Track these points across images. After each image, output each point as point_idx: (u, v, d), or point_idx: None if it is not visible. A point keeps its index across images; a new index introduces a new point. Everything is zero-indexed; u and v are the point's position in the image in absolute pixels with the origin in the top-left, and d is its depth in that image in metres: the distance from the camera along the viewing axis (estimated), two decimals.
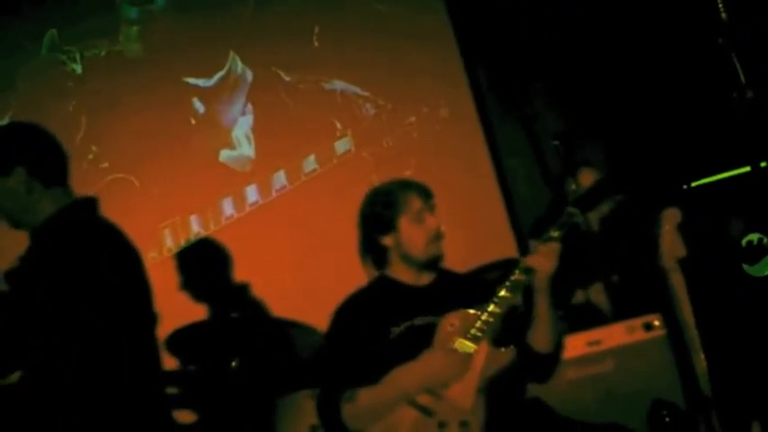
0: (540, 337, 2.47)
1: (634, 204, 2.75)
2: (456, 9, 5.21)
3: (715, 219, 3.30)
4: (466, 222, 4.84)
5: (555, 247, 2.45)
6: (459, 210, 4.84)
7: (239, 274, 3.85)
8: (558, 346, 2.54)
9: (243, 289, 3.75)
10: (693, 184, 3.58)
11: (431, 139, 5.11)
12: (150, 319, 2.43)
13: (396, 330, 2.49)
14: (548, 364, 2.52)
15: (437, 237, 2.59)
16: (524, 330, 2.49)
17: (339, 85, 5.16)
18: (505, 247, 4.56)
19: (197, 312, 3.70)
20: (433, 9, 5.23)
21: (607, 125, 4.77)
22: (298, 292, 4.35)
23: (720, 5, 2.12)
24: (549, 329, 2.47)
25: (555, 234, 2.48)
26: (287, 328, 3.68)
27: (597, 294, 3.48)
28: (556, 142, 3.28)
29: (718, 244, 3.23)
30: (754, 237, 3.10)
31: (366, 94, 5.16)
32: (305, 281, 4.67)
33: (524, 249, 2.80)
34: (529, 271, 2.46)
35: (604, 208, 2.92)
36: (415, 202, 2.58)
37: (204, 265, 3.77)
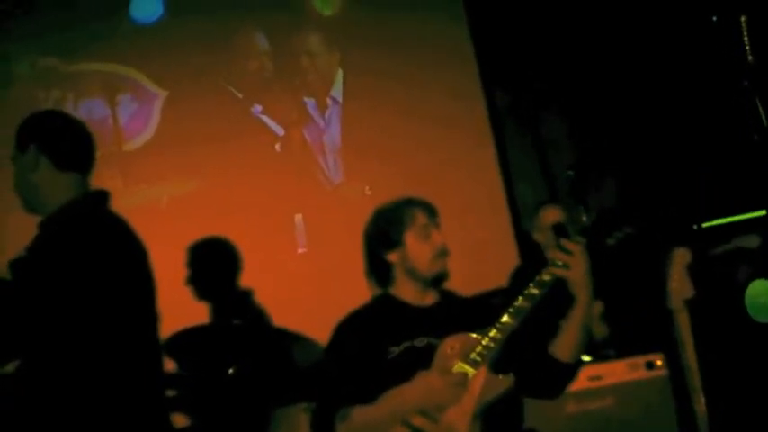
0: (566, 346, 2.42)
1: (644, 239, 2.69)
2: (478, 31, 5.21)
3: (723, 262, 3.24)
4: (472, 244, 4.82)
5: (579, 247, 2.42)
6: (466, 231, 4.82)
7: (246, 279, 3.80)
8: (579, 360, 2.49)
9: (247, 295, 3.69)
10: (705, 225, 3.52)
11: (445, 157, 5.10)
12: (152, 318, 2.39)
13: (395, 350, 2.43)
14: (565, 375, 2.46)
15: (442, 253, 2.55)
16: (544, 340, 2.44)
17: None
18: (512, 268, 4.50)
19: (199, 311, 3.66)
20: (455, 30, 5.24)
21: (623, 157, 4.73)
22: (303, 303, 4.32)
23: (747, 48, 2.08)
24: (578, 337, 2.42)
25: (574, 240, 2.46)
26: (288, 340, 3.63)
27: (596, 324, 3.43)
28: (570, 172, 3.23)
29: (725, 287, 3.18)
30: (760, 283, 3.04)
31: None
32: (311, 293, 4.66)
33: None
34: (544, 284, 2.42)
35: (611, 240, 2.85)
36: (421, 218, 2.55)
37: (213, 263, 3.71)
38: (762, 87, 2.11)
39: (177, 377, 3.34)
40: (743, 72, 2.11)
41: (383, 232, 2.56)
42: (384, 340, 2.46)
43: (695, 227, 3.42)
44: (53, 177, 2.34)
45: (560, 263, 2.44)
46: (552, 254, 2.49)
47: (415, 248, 2.53)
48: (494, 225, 5.09)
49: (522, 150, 5.14)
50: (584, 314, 2.44)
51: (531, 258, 3.87)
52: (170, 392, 3.24)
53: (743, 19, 2.09)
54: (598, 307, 3.50)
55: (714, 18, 2.18)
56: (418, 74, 5.20)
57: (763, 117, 2.12)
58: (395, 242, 2.54)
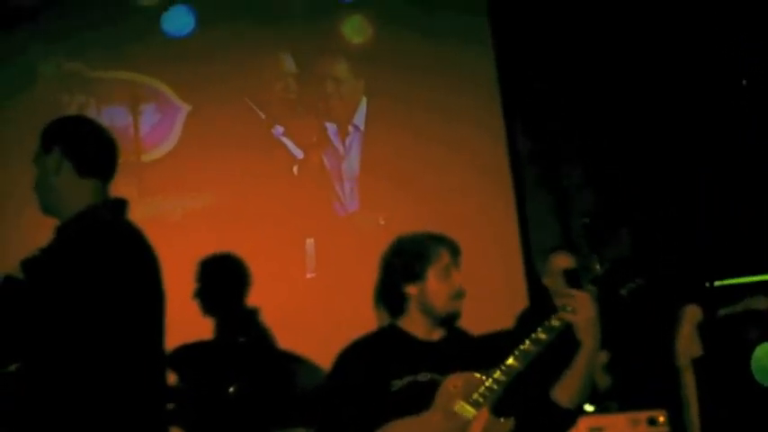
0: (568, 392, 2.44)
1: (656, 293, 2.71)
2: (505, 67, 5.27)
3: (732, 322, 3.24)
4: (482, 283, 4.82)
5: (589, 296, 2.45)
6: (477, 269, 4.83)
7: (252, 298, 3.82)
8: (581, 407, 2.51)
9: (254, 313, 3.71)
10: (717, 284, 3.53)
11: (463, 194, 5.14)
12: (159, 330, 2.41)
13: (397, 383, 2.44)
14: (565, 421, 2.48)
15: (460, 294, 2.57)
16: (547, 385, 2.46)
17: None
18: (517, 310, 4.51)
19: (204, 326, 3.67)
20: (482, 67, 5.30)
21: (641, 209, 4.75)
22: (307, 327, 4.34)
23: None
24: (581, 384, 2.45)
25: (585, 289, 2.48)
26: (292, 362, 3.64)
27: (600, 374, 3.43)
28: (586, 219, 3.26)
29: (733, 348, 3.18)
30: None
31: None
32: (316, 318, 4.68)
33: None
34: (552, 329, 2.44)
35: (623, 291, 2.88)
36: (446, 257, 2.57)
37: (222, 279, 3.73)
38: None
39: (178, 391, 3.35)
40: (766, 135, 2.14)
41: (406, 263, 2.58)
42: (388, 372, 2.47)
43: (707, 284, 3.43)
44: (74, 182, 2.36)
45: (570, 309, 2.45)
46: (562, 300, 2.51)
47: (435, 286, 2.55)
48: (505, 265, 5.11)
49: (540, 194, 5.17)
50: (588, 362, 2.46)
51: (540, 303, 3.88)
52: (170, 405, 3.25)
53: None
54: (603, 357, 3.50)
55: (744, 82, 2.21)
56: (443, 108, 5.26)
57: None
58: (416, 275, 2.56)
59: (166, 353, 2.92)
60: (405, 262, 2.58)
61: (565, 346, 2.50)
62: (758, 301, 3.27)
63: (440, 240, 2.61)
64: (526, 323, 3.63)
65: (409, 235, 2.66)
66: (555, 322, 2.48)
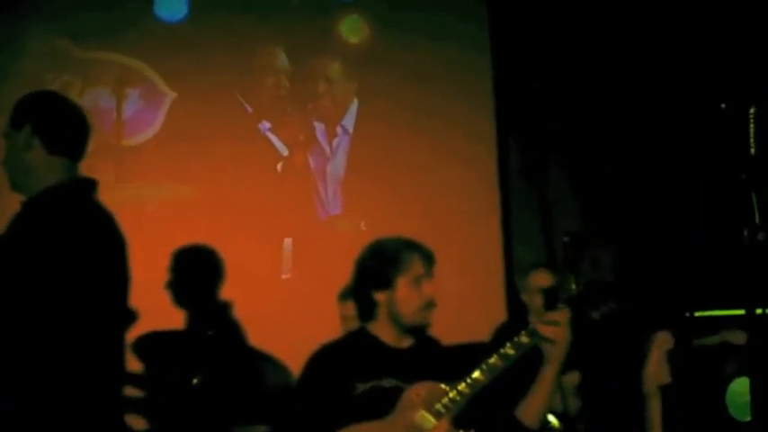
0: (532, 411, 2.52)
1: (629, 318, 2.77)
2: (501, 77, 5.34)
3: (708, 354, 3.30)
4: (460, 293, 4.90)
5: (563, 318, 2.51)
6: (457, 279, 4.90)
7: (224, 293, 3.86)
8: (544, 426, 2.57)
9: (226, 307, 3.74)
10: (697, 314, 3.59)
11: (448, 203, 5.21)
12: (121, 313, 2.44)
13: (360, 387, 2.50)
14: None
15: (430, 305, 2.61)
16: (510, 402, 2.53)
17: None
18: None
19: (175, 317, 3.71)
20: (477, 74, 5.38)
21: (625, 233, 4.82)
22: (277, 328, 4.38)
23: (752, 140, 2.17)
24: (544, 403, 2.53)
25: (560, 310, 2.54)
26: (260, 360, 3.68)
27: (570, 397, 3.49)
28: (566, 238, 3.32)
29: (706, 380, 3.24)
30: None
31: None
32: (288, 320, 4.72)
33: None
34: (521, 346, 2.50)
35: (596, 314, 2.95)
36: (418, 266, 2.60)
37: (196, 270, 3.76)
38: (760, 183, 2.20)
39: (140, 378, 3.38)
40: (743, 164, 2.20)
41: (377, 270, 2.62)
42: (353, 376, 2.52)
43: (687, 314, 3.49)
44: (44, 160, 2.40)
45: (542, 330, 2.51)
46: (535, 319, 2.57)
47: (405, 295, 2.59)
48: (486, 278, 5.18)
49: (527, 209, 5.25)
50: (553, 381, 2.53)
51: (517, 318, 3.95)
52: (132, 391, 3.29)
53: (752, 110, 2.18)
54: (574, 378, 3.57)
55: (723, 105, 2.27)
56: (435, 115, 5.33)
57: (756, 213, 2.20)
58: (386, 283, 2.60)
59: (132, 340, 2.97)
60: (376, 268, 2.62)
61: (531, 364, 2.57)
62: (735, 335, 3.33)
63: (413, 248, 2.64)
64: (502, 338, 3.69)
65: (385, 240, 2.71)
66: (524, 339, 2.54)
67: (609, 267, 4.74)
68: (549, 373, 2.53)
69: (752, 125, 2.18)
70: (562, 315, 2.53)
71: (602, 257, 4.71)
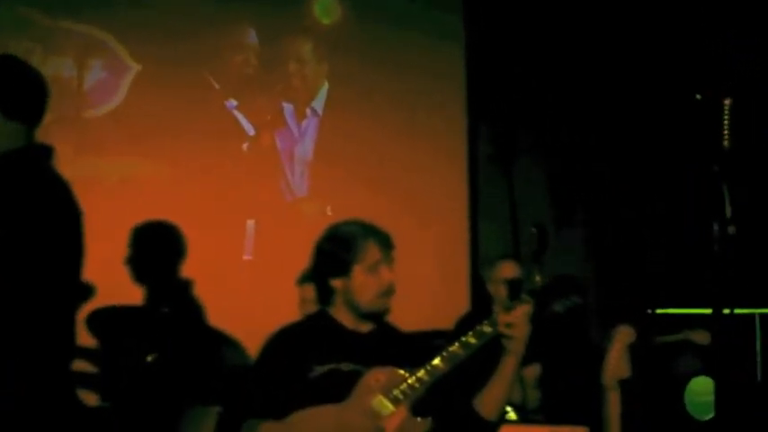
0: (491, 403, 2.53)
1: (590, 312, 2.80)
2: (473, 63, 5.36)
3: (669, 350, 3.36)
4: (425, 281, 4.93)
5: (525, 311, 2.51)
6: (422, 266, 4.92)
7: (192, 269, 3.83)
8: (501, 419, 2.59)
9: (186, 285, 3.73)
10: (659, 311, 3.65)
11: (416, 188, 5.23)
12: (73, 285, 2.43)
13: (318, 369, 2.49)
14: (486, 431, 2.55)
15: (388, 292, 2.60)
16: (469, 393, 2.54)
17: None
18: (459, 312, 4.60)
19: (134, 293, 3.69)
20: (450, 58, 5.39)
21: (593, 229, 4.87)
22: (236, 309, 4.36)
23: (726, 133, 2.18)
24: (503, 396, 2.53)
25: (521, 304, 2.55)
26: (218, 340, 3.67)
27: (530, 389, 3.53)
28: (533, 229, 3.34)
29: (667, 378, 3.29)
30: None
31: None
32: (247, 301, 4.72)
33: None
34: (483, 335, 2.51)
35: (559, 307, 2.99)
36: (374, 253, 2.59)
37: (157, 246, 3.74)
38: (732, 175, 2.21)
39: (94, 353, 3.36)
40: (716, 156, 2.21)
41: (333, 256, 2.62)
42: (310, 358, 2.52)
43: (649, 311, 3.55)
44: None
45: (502, 321, 2.52)
46: (498, 309, 2.58)
47: (361, 282, 2.59)
48: (451, 266, 5.21)
49: (494, 198, 5.28)
50: (512, 374, 2.54)
51: (481, 308, 3.97)
52: (85, 366, 3.27)
53: (726, 102, 2.19)
54: (535, 371, 3.60)
55: (698, 96, 2.28)
56: (405, 97, 5.35)
57: (727, 207, 2.21)
58: (342, 270, 2.60)
59: (87, 314, 2.95)
60: (332, 254, 2.62)
61: (493, 354, 2.58)
62: (698, 334, 3.38)
63: (370, 234, 2.63)
64: (464, 327, 3.71)
65: (342, 225, 2.70)
66: (486, 328, 2.55)
67: (576, 260, 4.79)
68: (508, 365, 2.54)
69: (726, 117, 2.19)
70: (523, 308, 2.54)
71: (572, 251, 4.75)
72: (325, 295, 2.67)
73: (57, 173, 2.44)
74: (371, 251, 2.60)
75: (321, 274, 2.65)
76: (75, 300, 2.46)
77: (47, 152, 2.45)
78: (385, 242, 2.63)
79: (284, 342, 2.59)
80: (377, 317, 2.65)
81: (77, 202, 2.44)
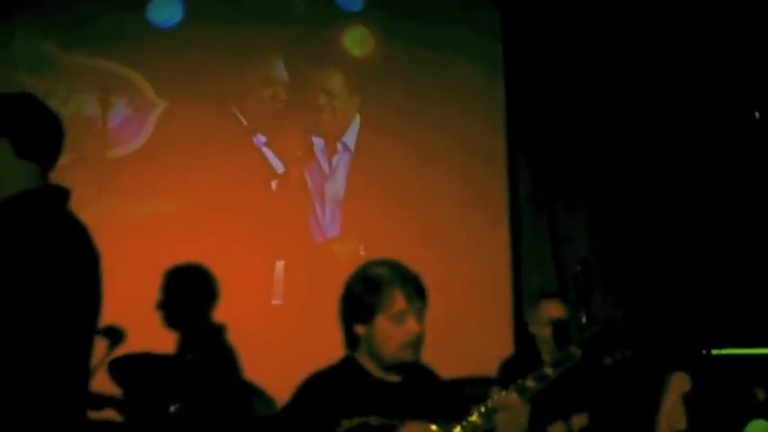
0: None
1: (641, 363, 2.71)
2: (513, 96, 5.31)
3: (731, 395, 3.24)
4: (465, 323, 4.84)
5: (518, 402, 2.44)
6: (462, 309, 4.85)
7: (217, 315, 3.82)
8: None
9: (219, 330, 3.71)
10: (715, 352, 3.53)
11: (454, 227, 5.16)
12: (91, 331, 2.42)
13: (346, 424, 2.43)
14: None
15: (414, 343, 2.53)
16: None
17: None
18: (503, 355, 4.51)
19: (159, 337, 3.69)
20: (489, 93, 5.34)
21: (640, 266, 4.78)
22: (263, 358, 4.31)
23: None
24: None
25: (549, 372, 2.50)
26: (247, 392, 3.63)
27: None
28: (577, 267, 3.27)
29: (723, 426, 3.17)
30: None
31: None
32: (275, 350, 4.66)
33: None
34: (525, 390, 2.47)
35: (608, 359, 2.92)
36: (399, 303, 2.52)
37: (189, 290, 3.74)
38: None
39: (118, 402, 3.35)
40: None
41: (357, 300, 2.57)
42: (338, 412, 2.46)
43: (704, 353, 3.43)
44: (12, 163, 2.40)
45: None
46: (494, 391, 2.51)
47: (385, 332, 2.53)
48: (493, 308, 5.12)
49: (537, 235, 5.20)
50: None
51: (525, 351, 3.90)
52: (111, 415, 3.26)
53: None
54: (582, 421, 3.50)
55: (757, 114, 2.19)
56: (441, 132, 5.30)
57: None
58: (365, 317, 2.55)
59: (112, 360, 2.94)
60: (358, 299, 2.57)
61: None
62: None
63: (398, 280, 2.56)
64: (509, 372, 3.64)
65: (374, 265, 2.64)
66: (530, 383, 2.52)
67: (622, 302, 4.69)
68: None
69: None
70: (512, 399, 2.45)
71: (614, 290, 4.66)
72: (350, 341, 2.62)
73: (73, 215, 2.45)
74: (397, 300, 2.54)
75: (345, 317, 2.61)
76: (90, 346, 2.44)
77: (63, 194, 2.46)
78: (413, 291, 2.56)
79: (310, 395, 2.53)
80: (401, 370, 2.58)
81: (95, 245, 2.45)
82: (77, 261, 2.37)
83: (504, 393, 2.48)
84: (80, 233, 2.42)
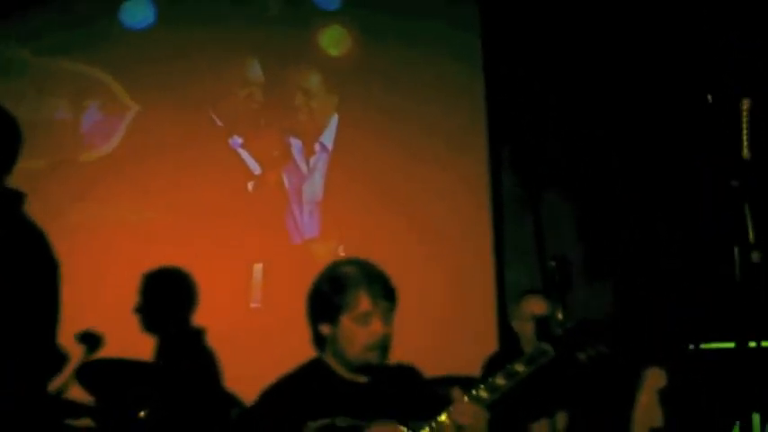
0: None
1: (619, 360, 2.69)
2: (493, 96, 5.29)
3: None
4: (447, 321, 4.83)
5: (478, 412, 2.42)
6: (444, 307, 4.84)
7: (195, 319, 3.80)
8: None
9: (198, 335, 3.70)
10: (703, 346, 3.51)
11: (435, 226, 5.15)
12: (47, 343, 2.39)
13: (312, 426, 2.41)
14: None
15: (379, 346, 2.51)
16: None
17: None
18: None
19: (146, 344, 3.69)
20: (468, 92, 5.33)
21: (625, 260, 4.77)
22: (240, 362, 4.29)
23: (745, 140, 2.03)
24: None
25: (520, 369, 2.48)
26: (227, 399, 3.61)
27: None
28: (552, 263, 3.26)
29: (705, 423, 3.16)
30: None
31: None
32: (253, 354, 4.62)
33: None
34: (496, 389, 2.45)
35: (583, 356, 2.91)
36: (364, 303, 2.50)
37: (169, 294, 3.73)
38: (755, 191, 2.04)
39: (88, 408, 3.33)
40: (734, 169, 2.03)
41: (323, 299, 2.56)
42: (303, 414, 2.44)
43: (690, 346, 3.41)
44: None
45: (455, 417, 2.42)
46: (458, 395, 2.48)
47: (349, 333, 2.51)
48: (476, 304, 5.10)
49: (520, 230, 5.19)
50: None
51: (510, 348, 3.88)
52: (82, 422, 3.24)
53: (745, 104, 2.01)
54: (562, 420, 3.49)
55: (709, 97, 2.12)
56: (420, 132, 5.27)
57: (750, 229, 2.07)
58: (329, 317, 2.54)
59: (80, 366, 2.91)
60: (322, 297, 2.56)
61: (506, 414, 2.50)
62: None
63: (365, 281, 2.53)
64: (493, 368, 3.63)
65: (342, 264, 2.63)
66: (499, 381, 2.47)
67: (605, 297, 4.69)
68: None
69: (745, 122, 2.01)
70: (472, 407, 2.43)
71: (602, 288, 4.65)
72: (317, 341, 2.61)
73: (30, 220, 2.42)
74: (362, 301, 2.51)
75: (312, 317, 2.59)
76: (50, 357, 2.42)
77: (17, 197, 2.43)
78: (380, 292, 2.54)
79: (274, 398, 2.52)
80: (365, 371, 2.55)
81: (52, 251, 2.42)
82: (32, 267, 2.34)
83: (463, 397, 2.45)
84: (36, 238, 2.39)
